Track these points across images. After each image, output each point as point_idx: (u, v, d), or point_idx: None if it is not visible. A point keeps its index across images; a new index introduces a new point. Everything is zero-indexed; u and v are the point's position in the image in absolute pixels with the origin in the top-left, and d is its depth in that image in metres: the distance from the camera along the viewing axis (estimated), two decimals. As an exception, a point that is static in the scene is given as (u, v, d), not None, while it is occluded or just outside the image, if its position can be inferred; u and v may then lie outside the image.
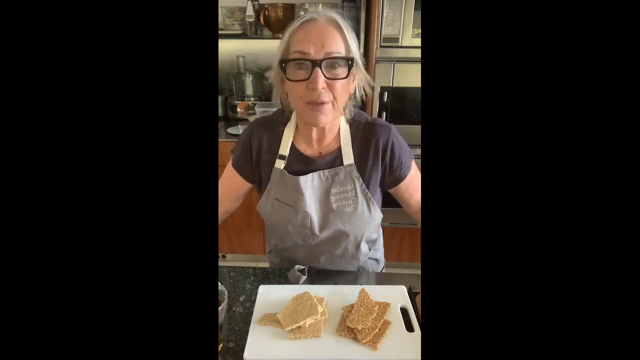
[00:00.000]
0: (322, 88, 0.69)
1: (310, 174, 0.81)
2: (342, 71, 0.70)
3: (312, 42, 0.67)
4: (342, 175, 0.81)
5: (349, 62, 0.70)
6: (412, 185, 0.86)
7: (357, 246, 0.89)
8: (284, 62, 0.70)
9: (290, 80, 0.70)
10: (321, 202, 0.83)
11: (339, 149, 0.82)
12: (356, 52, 0.72)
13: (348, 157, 0.81)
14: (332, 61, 0.69)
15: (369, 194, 0.82)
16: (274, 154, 0.83)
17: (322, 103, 0.70)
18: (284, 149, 0.82)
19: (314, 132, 0.81)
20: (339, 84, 0.70)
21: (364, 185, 0.82)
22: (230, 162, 0.89)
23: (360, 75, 0.75)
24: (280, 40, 0.74)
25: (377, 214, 0.86)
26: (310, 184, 0.81)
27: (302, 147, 0.84)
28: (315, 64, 0.67)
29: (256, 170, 0.86)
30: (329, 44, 0.68)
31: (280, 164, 0.82)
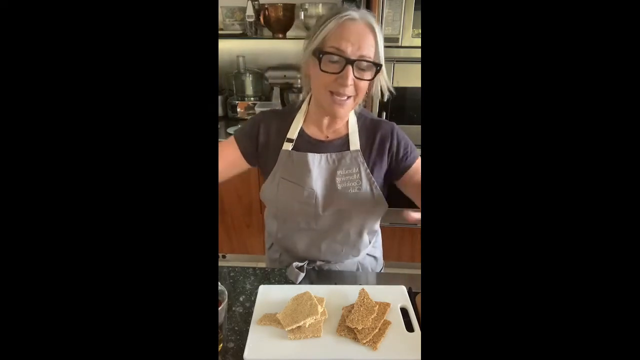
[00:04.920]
0: (350, 84, 0.74)
1: (318, 154, 0.85)
2: (369, 73, 0.76)
3: (350, 41, 0.72)
4: (348, 159, 0.85)
5: (378, 67, 0.76)
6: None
7: (359, 233, 0.91)
8: (321, 53, 0.74)
9: (322, 71, 0.74)
10: (327, 183, 0.85)
11: (347, 135, 0.86)
12: (382, 56, 0.77)
13: (355, 144, 0.86)
14: (362, 62, 0.74)
15: (373, 179, 0.85)
16: (282, 138, 0.86)
17: (345, 98, 0.76)
18: (293, 133, 0.86)
19: (326, 118, 0.85)
20: (363, 83, 0.76)
21: (368, 170, 0.85)
22: (231, 137, 0.91)
23: (382, 78, 0.81)
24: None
25: (381, 201, 0.88)
26: (317, 164, 0.85)
27: (311, 131, 0.87)
28: (349, 61, 0.73)
29: (263, 154, 0.88)
30: (364, 47, 0.73)
31: (288, 146, 0.85)
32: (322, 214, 0.87)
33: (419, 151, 0.88)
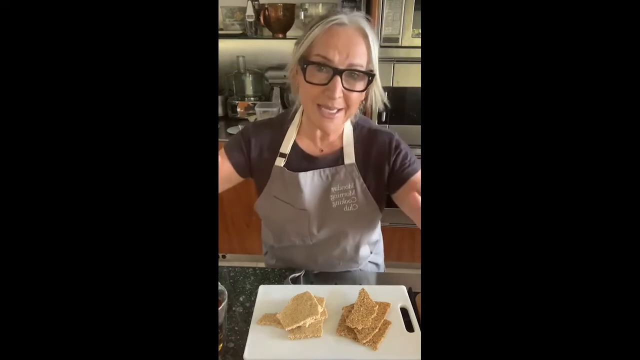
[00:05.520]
0: (339, 97, 0.68)
1: (311, 171, 0.80)
2: (360, 84, 0.69)
3: (337, 49, 0.66)
4: (342, 174, 0.80)
5: (369, 77, 0.69)
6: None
7: (356, 248, 0.88)
8: (305, 64, 0.68)
9: (308, 82, 0.69)
10: (320, 201, 0.82)
11: (341, 148, 0.81)
12: (376, 63, 0.71)
13: (349, 157, 0.80)
14: (352, 72, 0.68)
15: (369, 194, 0.81)
16: (275, 153, 0.82)
17: (335, 111, 0.70)
18: (286, 148, 0.81)
19: (319, 131, 0.80)
20: (354, 95, 0.69)
21: (364, 185, 0.81)
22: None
23: (375, 88, 0.74)
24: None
25: (377, 215, 0.85)
26: (309, 182, 0.80)
27: (305, 145, 0.83)
28: (337, 71, 0.66)
29: (256, 169, 0.85)
30: (354, 55, 0.66)
31: (280, 162, 0.81)
32: (316, 234, 0.84)
33: (419, 162, 0.83)
